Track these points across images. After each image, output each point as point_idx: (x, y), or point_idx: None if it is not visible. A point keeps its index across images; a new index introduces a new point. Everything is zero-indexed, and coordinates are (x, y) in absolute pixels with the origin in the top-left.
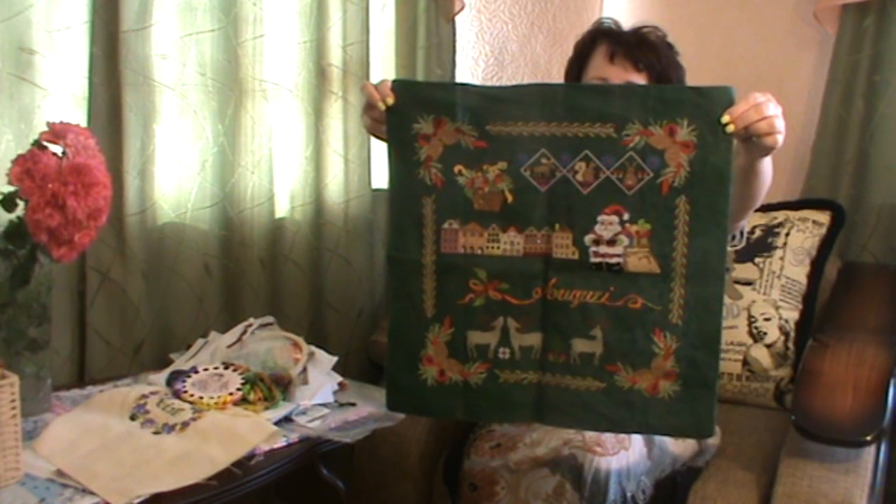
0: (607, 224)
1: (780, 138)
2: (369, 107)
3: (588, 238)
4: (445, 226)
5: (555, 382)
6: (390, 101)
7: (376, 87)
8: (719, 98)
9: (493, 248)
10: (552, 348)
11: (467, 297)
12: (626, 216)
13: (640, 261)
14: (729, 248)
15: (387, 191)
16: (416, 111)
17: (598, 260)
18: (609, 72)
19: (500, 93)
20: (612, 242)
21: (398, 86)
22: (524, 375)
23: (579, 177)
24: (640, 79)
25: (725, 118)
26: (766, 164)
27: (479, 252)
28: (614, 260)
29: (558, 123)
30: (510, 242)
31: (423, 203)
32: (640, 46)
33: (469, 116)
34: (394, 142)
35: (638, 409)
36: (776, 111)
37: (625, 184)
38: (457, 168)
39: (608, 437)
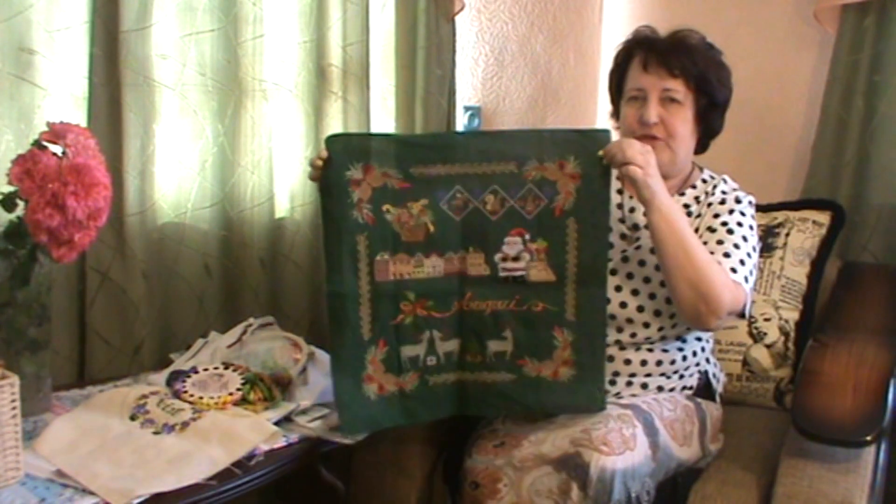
0: (512, 244)
1: (634, 170)
2: (312, 163)
3: (497, 256)
4: (378, 258)
5: (473, 378)
6: (324, 154)
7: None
8: (599, 138)
9: (418, 272)
10: (469, 350)
11: (399, 317)
12: (527, 236)
13: (539, 272)
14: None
15: (322, 231)
16: (347, 160)
17: (505, 274)
18: (644, 81)
19: (420, 140)
20: (516, 259)
21: (330, 141)
22: (448, 376)
23: (489, 207)
24: (675, 84)
25: (600, 153)
26: (664, 224)
27: (408, 277)
28: (519, 273)
29: (470, 164)
30: (432, 266)
31: (357, 240)
32: (675, 52)
33: (394, 162)
34: (329, 188)
35: (543, 393)
36: (641, 150)
37: (526, 210)
38: (385, 207)
39: (614, 437)
